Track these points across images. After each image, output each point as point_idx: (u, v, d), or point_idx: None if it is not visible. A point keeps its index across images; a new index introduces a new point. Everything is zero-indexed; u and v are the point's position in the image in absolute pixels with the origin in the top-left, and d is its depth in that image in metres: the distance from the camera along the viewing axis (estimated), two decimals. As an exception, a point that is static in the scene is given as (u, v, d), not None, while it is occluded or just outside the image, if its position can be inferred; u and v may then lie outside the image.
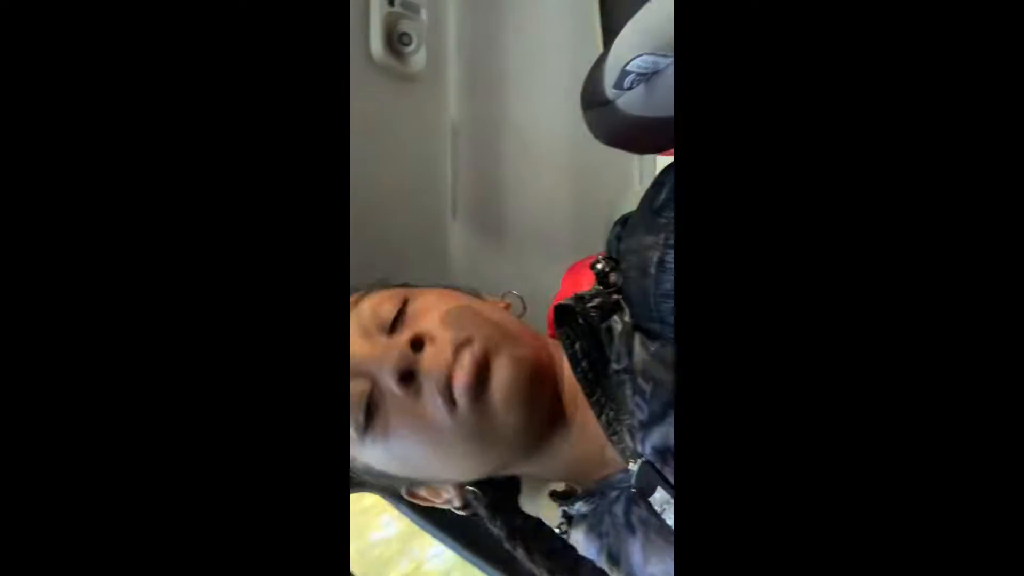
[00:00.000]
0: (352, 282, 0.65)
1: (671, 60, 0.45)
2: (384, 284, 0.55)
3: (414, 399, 0.45)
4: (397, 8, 0.80)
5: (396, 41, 0.82)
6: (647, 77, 0.46)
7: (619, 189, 0.87)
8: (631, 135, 0.53)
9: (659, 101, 0.47)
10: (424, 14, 0.83)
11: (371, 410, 0.46)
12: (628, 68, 0.46)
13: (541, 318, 0.59)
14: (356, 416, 0.47)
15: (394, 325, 0.48)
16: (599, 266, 0.52)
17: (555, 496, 0.54)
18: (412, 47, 0.83)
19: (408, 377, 0.44)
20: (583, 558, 0.51)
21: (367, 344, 0.47)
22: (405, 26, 0.81)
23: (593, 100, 0.52)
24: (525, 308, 0.58)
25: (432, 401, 0.45)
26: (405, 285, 0.55)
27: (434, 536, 0.74)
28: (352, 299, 0.51)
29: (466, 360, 0.44)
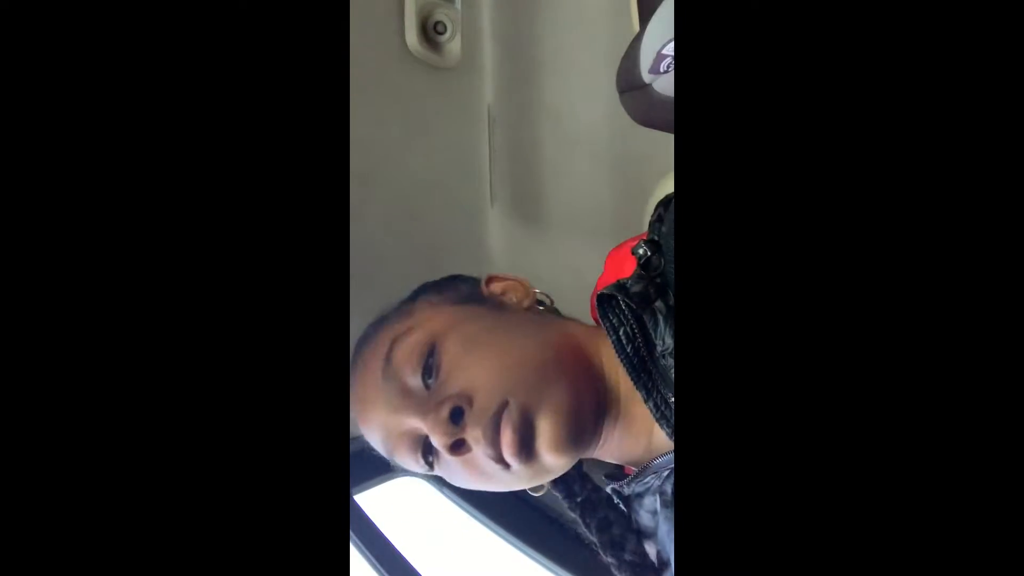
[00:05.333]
0: (393, 273, 0.66)
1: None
2: (404, 309, 0.55)
3: (469, 457, 0.48)
4: (431, -3, 0.81)
5: (431, 30, 0.82)
6: (684, 58, 0.45)
7: (659, 173, 0.86)
8: (668, 117, 0.52)
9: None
10: (458, 2, 0.83)
11: (433, 453, 0.50)
12: (664, 51, 0.45)
13: (582, 304, 0.59)
14: (418, 461, 0.50)
15: (428, 371, 0.50)
16: (640, 251, 0.51)
17: (608, 477, 0.55)
18: (447, 36, 0.83)
19: (457, 447, 0.47)
20: (631, 532, 0.53)
21: (412, 405, 0.49)
22: (440, 15, 0.82)
23: (629, 83, 0.51)
24: (551, 303, 0.58)
25: (486, 462, 0.47)
26: (415, 295, 0.56)
27: (478, 520, 0.75)
28: (383, 348, 0.51)
29: (508, 433, 0.46)
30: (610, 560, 0.53)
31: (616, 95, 0.55)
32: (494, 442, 0.46)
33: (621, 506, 0.54)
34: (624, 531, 0.54)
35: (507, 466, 0.47)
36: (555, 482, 0.57)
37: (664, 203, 0.53)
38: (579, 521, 0.56)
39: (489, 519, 0.75)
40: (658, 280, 0.49)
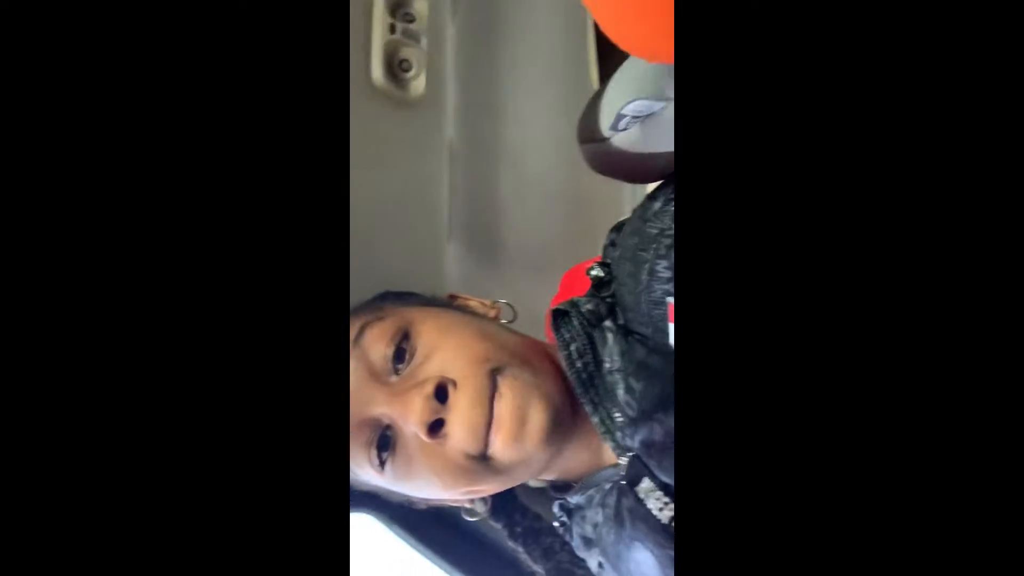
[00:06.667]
0: (352, 301, 0.67)
1: (663, 104, 0.48)
2: (373, 305, 0.55)
3: (442, 445, 0.46)
4: (398, 36, 0.83)
5: (396, 67, 0.84)
6: (641, 119, 0.49)
7: (610, 214, 0.90)
8: (625, 168, 0.56)
9: (652, 140, 0.50)
10: (424, 42, 0.86)
11: (389, 449, 0.47)
12: (623, 112, 0.49)
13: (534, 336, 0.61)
14: (371, 457, 0.47)
15: (399, 356, 0.49)
16: (594, 272, 0.54)
17: (553, 488, 0.56)
18: (412, 73, 0.85)
19: (436, 427, 0.45)
20: (576, 556, 0.54)
21: (380, 390, 0.47)
22: (405, 53, 0.84)
23: (589, 136, 0.55)
24: (515, 316, 0.59)
25: (463, 448, 0.46)
26: (382, 298, 0.57)
27: (427, 556, 0.75)
28: (351, 333, 0.50)
29: (504, 413, 0.45)
30: None
31: (571, 137, 0.58)
32: (486, 418, 0.44)
33: (562, 530, 0.55)
34: (571, 556, 0.55)
35: (481, 457, 0.45)
36: (495, 512, 0.58)
37: (616, 228, 0.57)
38: (521, 551, 0.57)
39: (441, 558, 0.74)
40: (609, 300, 0.52)
